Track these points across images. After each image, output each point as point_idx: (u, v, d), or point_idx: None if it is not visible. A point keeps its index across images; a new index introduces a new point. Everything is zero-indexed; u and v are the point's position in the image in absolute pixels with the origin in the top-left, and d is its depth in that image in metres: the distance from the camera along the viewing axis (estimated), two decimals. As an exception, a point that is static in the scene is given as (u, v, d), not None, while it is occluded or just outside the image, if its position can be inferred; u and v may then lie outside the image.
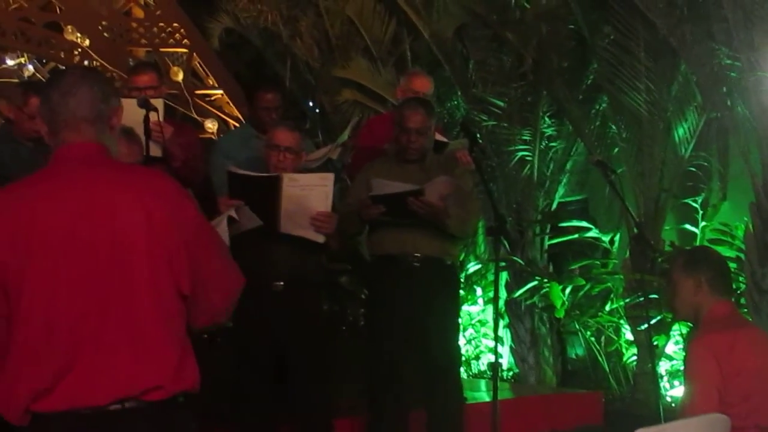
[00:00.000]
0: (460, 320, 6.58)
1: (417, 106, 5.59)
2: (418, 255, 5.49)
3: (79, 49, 11.84)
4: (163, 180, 2.94)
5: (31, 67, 14.24)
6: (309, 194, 4.97)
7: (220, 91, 12.25)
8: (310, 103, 11.37)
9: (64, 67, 11.50)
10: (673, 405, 7.26)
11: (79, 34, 11.73)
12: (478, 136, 7.91)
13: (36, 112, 5.62)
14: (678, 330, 7.80)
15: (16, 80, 13.60)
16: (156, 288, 2.76)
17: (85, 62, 11.89)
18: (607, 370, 8.68)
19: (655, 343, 7.69)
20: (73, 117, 2.87)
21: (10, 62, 14.33)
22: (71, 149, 2.87)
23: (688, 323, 4.74)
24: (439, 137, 5.90)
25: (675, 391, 7.72)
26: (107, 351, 2.69)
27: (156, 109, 5.08)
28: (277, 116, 6.08)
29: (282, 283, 5.10)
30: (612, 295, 8.63)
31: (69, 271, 2.70)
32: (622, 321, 8.51)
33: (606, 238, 8.90)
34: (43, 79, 13.90)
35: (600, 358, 8.76)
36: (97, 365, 2.68)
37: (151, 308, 2.75)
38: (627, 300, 8.24)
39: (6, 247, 2.69)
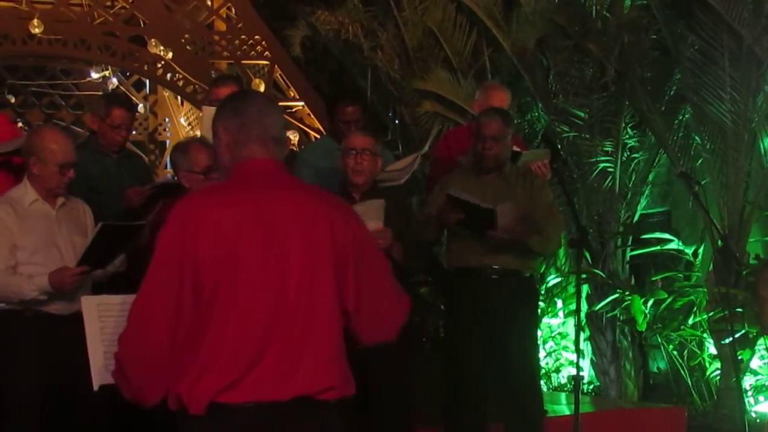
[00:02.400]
0: (539, 332, 6.56)
1: (493, 114, 5.60)
2: (497, 267, 5.49)
3: (162, 62, 12.05)
4: (338, 198, 3.22)
5: (115, 80, 14.56)
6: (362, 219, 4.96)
7: (301, 103, 12.36)
8: (390, 115, 11.39)
9: (161, 88, 11.71)
10: (758, 421, 7.14)
11: (162, 47, 11.94)
12: (559, 147, 7.87)
13: (122, 122, 5.77)
14: (763, 344, 7.67)
15: (101, 93, 13.91)
16: (335, 299, 2.97)
17: (168, 75, 12.09)
18: (690, 384, 8.55)
19: (739, 357, 7.56)
20: (266, 134, 3.05)
21: (94, 75, 14.65)
22: (259, 162, 3.04)
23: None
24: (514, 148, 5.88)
25: (760, 407, 7.59)
26: (293, 350, 2.87)
27: None
28: (357, 128, 6.09)
29: None
30: (695, 309, 8.52)
31: (264, 274, 2.88)
32: (705, 335, 8.40)
33: (689, 251, 8.79)
34: (127, 92, 14.18)
35: (683, 372, 8.64)
36: (283, 363, 2.86)
37: (331, 316, 2.96)
38: (710, 313, 8.12)
39: (207, 247, 2.86)
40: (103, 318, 3.52)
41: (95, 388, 3.51)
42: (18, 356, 4.61)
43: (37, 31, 11.36)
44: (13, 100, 14.36)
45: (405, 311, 3.23)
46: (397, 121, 11.32)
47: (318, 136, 11.87)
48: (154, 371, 2.89)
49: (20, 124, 13.34)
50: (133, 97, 14.55)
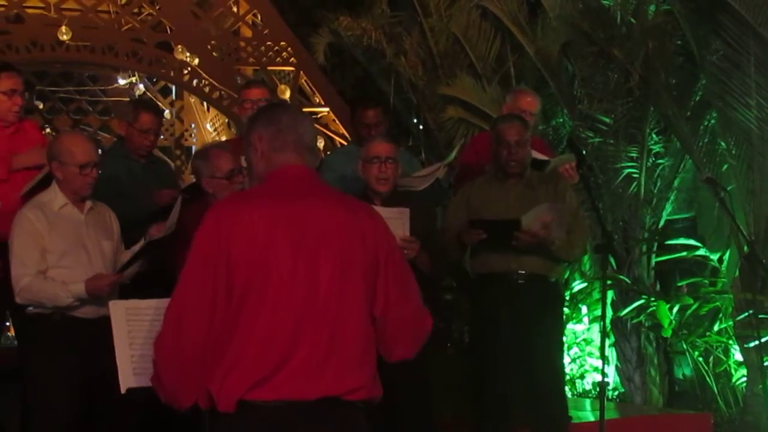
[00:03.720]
0: (564, 338, 6.54)
1: (512, 119, 5.64)
2: (523, 272, 5.49)
3: (189, 68, 12.12)
4: (370, 207, 3.34)
5: (141, 86, 14.67)
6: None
7: (327, 109, 12.40)
8: (415, 121, 11.41)
9: (187, 93, 11.78)
10: (784, 428, 7.11)
11: (188, 54, 12.02)
12: (584, 152, 7.86)
13: (150, 127, 5.84)
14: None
15: (128, 99, 14.02)
16: (364, 303, 3.04)
17: (195, 81, 12.17)
18: (716, 391, 8.51)
19: (765, 363, 7.52)
20: (300, 141, 3.14)
21: (121, 81, 14.77)
22: (293, 169, 3.12)
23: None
24: (537, 155, 5.88)
25: (786, 414, 7.54)
26: (321, 351, 2.93)
27: None
28: (378, 133, 6.08)
29: None
30: (721, 315, 8.48)
31: (295, 276, 2.95)
32: (731, 341, 8.35)
33: (714, 257, 8.75)
34: (153, 98, 14.28)
35: (708, 379, 8.60)
36: (311, 363, 2.91)
37: (360, 319, 3.03)
38: (736, 319, 8.08)
39: (240, 249, 2.93)
40: (131, 322, 3.57)
41: (122, 390, 3.56)
42: (46, 359, 4.67)
43: (65, 37, 11.46)
44: (41, 106, 14.49)
45: (428, 329, 3.27)
46: (421, 127, 11.33)
47: (343, 142, 11.91)
48: (189, 373, 2.94)
49: (48, 130, 13.48)
50: (159, 103, 14.65)
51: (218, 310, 2.92)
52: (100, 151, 5.03)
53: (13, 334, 7.18)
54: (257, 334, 2.90)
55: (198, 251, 2.98)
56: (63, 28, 11.42)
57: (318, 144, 11.66)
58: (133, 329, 3.55)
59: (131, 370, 3.50)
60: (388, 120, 6.49)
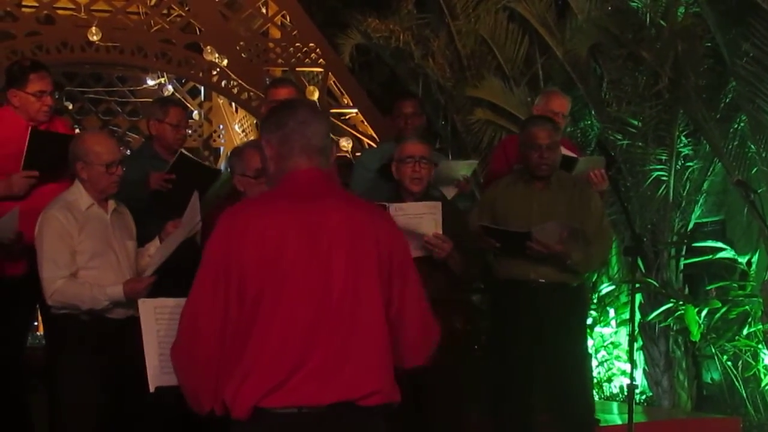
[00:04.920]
0: (591, 342, 6.52)
1: (543, 122, 5.60)
2: (543, 281, 5.46)
3: (218, 69, 12.16)
4: (381, 208, 3.29)
5: (170, 87, 14.71)
6: (419, 221, 4.96)
7: (355, 110, 12.40)
8: (442, 123, 11.40)
9: (216, 94, 11.85)
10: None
11: (217, 55, 12.04)
12: (613, 155, 7.83)
13: (180, 120, 5.84)
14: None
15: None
16: (380, 306, 3.00)
17: (223, 82, 12.21)
18: (745, 395, 8.46)
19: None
20: (309, 144, 3.08)
21: (150, 82, 14.83)
22: (305, 173, 3.08)
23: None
24: (566, 152, 5.85)
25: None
26: (336, 356, 2.91)
27: None
28: (415, 125, 6.14)
29: None
30: (750, 319, 8.42)
31: (307, 282, 2.93)
32: (760, 345, 8.30)
33: (743, 260, 8.70)
34: (182, 99, 14.34)
35: (737, 383, 8.54)
36: (325, 368, 2.90)
37: (376, 323, 2.99)
38: (766, 324, 8.03)
39: (252, 254, 2.92)
40: (159, 320, 3.58)
41: (151, 389, 3.56)
42: (74, 359, 4.67)
43: (95, 38, 11.51)
44: (70, 107, 14.57)
45: (436, 337, 3.24)
46: (449, 129, 11.33)
47: (371, 143, 11.92)
48: (207, 377, 2.95)
49: (77, 131, 13.53)
50: (188, 104, 14.70)
51: (231, 315, 2.92)
52: (128, 152, 5.05)
53: (41, 333, 7.22)
54: (271, 341, 2.88)
55: (209, 257, 2.98)
56: (93, 29, 11.47)
57: (346, 144, 11.71)
58: (162, 327, 3.55)
59: (160, 368, 3.50)
60: (424, 117, 6.48)
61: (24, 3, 11.77)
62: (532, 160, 5.50)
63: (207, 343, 2.93)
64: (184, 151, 5.59)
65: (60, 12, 11.89)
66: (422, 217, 4.94)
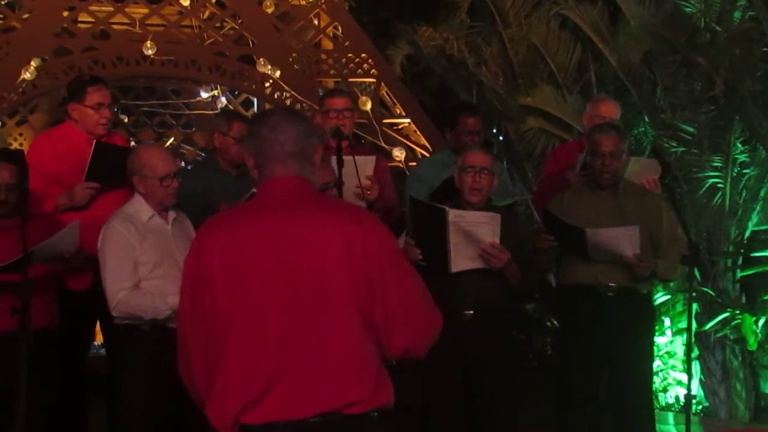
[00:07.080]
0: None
1: (609, 130, 5.54)
2: (613, 285, 5.41)
3: (270, 81, 12.23)
4: (363, 212, 3.17)
5: (224, 99, 14.82)
6: (477, 230, 4.96)
7: (408, 120, 12.42)
8: (495, 131, 11.38)
9: (269, 106, 11.97)
10: None
11: (270, 66, 12.12)
12: (668, 162, 7.78)
13: (241, 139, 5.89)
14: None
15: (210, 112, 14.19)
16: (355, 314, 2.95)
17: (276, 94, 12.28)
18: (803, 406, 8.36)
19: None
20: (282, 151, 3.06)
21: (204, 95, 14.96)
22: (279, 182, 3.07)
23: None
24: None
25: None
26: (311, 368, 2.89)
27: (348, 137, 5.28)
28: (479, 139, 6.17)
29: (471, 312, 5.10)
30: (808, 329, 8.33)
31: (277, 295, 2.92)
32: (819, 355, 8.20)
33: (801, 269, 8.60)
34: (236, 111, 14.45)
35: (795, 394, 8.45)
36: (301, 382, 2.89)
37: (351, 331, 2.94)
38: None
39: (220, 271, 2.94)
40: None
41: None
42: (135, 369, 4.74)
43: (150, 52, 11.64)
44: (126, 120, 14.75)
45: (436, 331, 3.12)
46: (502, 138, 11.30)
47: (424, 153, 11.92)
48: (199, 387, 3.02)
49: (132, 143, 13.70)
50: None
51: (210, 328, 2.95)
52: (189, 167, 5.11)
53: (100, 343, 7.30)
54: (243, 357, 2.90)
55: (185, 271, 3.05)
56: (147, 43, 11.61)
57: (399, 154, 11.72)
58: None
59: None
60: (485, 129, 6.50)
61: (80, 19, 11.95)
62: (596, 167, 5.48)
63: (194, 356, 3.00)
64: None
65: (115, 27, 12.06)
66: (480, 226, 4.95)
